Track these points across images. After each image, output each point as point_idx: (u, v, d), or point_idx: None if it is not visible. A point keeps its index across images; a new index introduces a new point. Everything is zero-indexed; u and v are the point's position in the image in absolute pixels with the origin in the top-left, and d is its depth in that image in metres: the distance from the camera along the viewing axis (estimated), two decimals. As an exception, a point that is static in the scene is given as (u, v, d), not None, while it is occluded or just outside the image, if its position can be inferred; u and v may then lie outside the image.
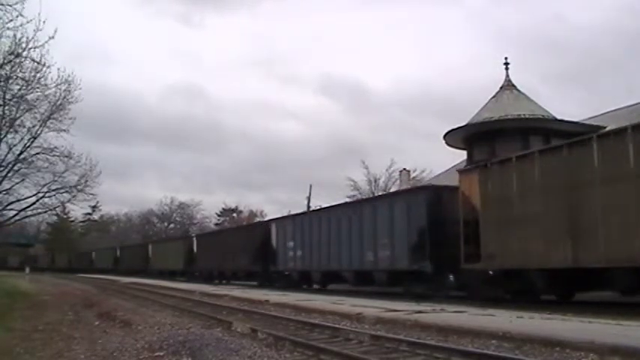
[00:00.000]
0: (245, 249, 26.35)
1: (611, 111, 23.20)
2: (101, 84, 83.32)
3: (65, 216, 66.84)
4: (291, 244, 21.91)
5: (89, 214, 77.88)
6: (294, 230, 21.95)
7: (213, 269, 30.93)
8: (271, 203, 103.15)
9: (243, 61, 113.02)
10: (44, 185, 19.73)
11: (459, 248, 13.16)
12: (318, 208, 27.37)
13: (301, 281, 21.71)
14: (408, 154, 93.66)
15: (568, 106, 74.18)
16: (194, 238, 36.52)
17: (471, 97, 74.11)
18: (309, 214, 25.12)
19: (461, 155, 26.20)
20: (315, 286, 21.18)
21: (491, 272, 12.83)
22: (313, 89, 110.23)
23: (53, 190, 20.07)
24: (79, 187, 20.17)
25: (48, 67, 16.34)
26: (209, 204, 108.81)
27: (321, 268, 19.96)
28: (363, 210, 17.67)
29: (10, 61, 15.66)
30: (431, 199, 14.91)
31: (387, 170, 41.28)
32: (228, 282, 29.50)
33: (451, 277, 14.24)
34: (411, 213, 15.17)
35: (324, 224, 19.55)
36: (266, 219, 31.05)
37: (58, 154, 18.71)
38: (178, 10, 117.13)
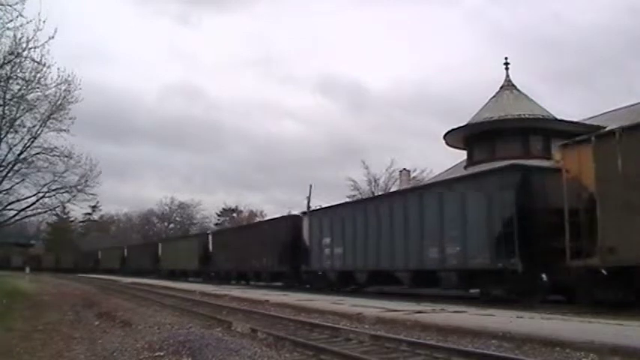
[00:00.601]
0: (270, 246, 23.63)
1: (612, 111, 23.23)
2: (99, 84, 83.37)
3: (65, 216, 66.84)
4: (327, 240, 19.19)
5: (89, 214, 77.97)
6: (332, 224, 19.08)
7: (232, 269, 28.43)
8: (270, 203, 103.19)
9: (241, 60, 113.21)
10: (44, 185, 19.72)
11: (554, 241, 11.08)
12: (357, 199, 26.93)
13: (340, 282, 18.94)
14: (408, 154, 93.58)
15: (566, 105, 74.47)
16: (210, 236, 33.41)
17: (470, 96, 74.29)
18: (351, 204, 21.68)
19: (461, 155, 26.21)
20: (347, 288, 18.71)
21: (604, 271, 10.33)
22: (311, 89, 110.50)
23: (53, 190, 20.06)
24: (79, 187, 20.16)
25: (48, 67, 16.36)
26: (208, 204, 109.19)
27: (367, 267, 17.20)
28: (424, 199, 14.95)
29: (10, 61, 15.68)
30: (519, 183, 12.30)
31: (387, 170, 41.32)
32: (247, 283, 27.46)
33: (544, 276, 12.00)
34: (493, 200, 12.56)
35: (372, 216, 16.86)
36: (294, 213, 27.01)
37: (58, 154, 18.70)
38: (176, 10, 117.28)
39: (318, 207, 26.48)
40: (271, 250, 23.52)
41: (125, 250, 50.26)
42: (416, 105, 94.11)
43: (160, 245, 41.98)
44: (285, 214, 29.35)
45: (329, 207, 21.08)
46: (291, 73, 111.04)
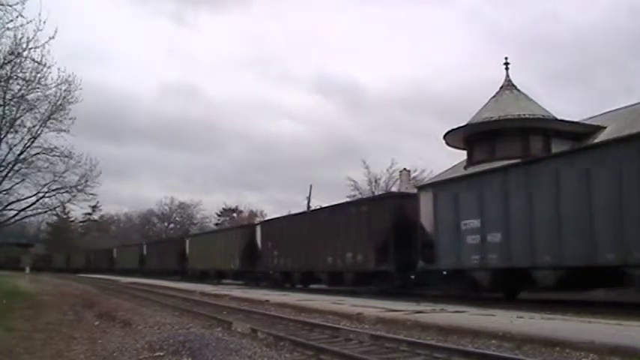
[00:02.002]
0: (357, 237, 17.32)
1: (611, 111, 23.19)
2: (96, 83, 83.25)
3: (65, 216, 66.86)
4: (475, 222, 13.29)
5: (89, 214, 77.95)
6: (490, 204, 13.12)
7: (294, 269, 22.10)
8: (270, 203, 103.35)
9: (238, 60, 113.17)
10: (44, 185, 19.74)
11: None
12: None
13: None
14: (407, 154, 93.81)
15: (564, 105, 74.49)
16: (258, 227, 26.60)
17: (468, 96, 74.46)
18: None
19: (461, 155, 26.19)
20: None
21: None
22: (309, 88, 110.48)
23: (53, 190, 20.08)
24: (79, 187, 20.18)
25: (48, 67, 16.39)
26: (208, 204, 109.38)
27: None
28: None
29: (11, 61, 15.70)
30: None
31: (387, 170, 41.32)
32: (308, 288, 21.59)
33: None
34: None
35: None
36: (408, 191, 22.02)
37: (58, 154, 18.73)
38: (171, 10, 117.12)
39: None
40: (359, 243, 17.30)
41: (144, 248, 44.51)
42: (414, 105, 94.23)
43: (187, 241, 36.33)
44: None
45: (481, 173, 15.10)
46: (288, 73, 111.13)
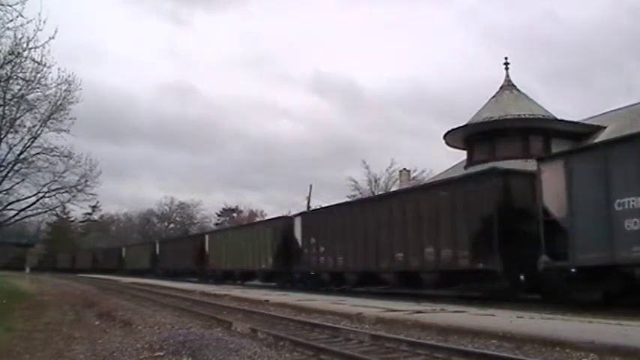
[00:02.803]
0: (443, 228, 13.76)
1: (612, 111, 23.22)
2: (93, 83, 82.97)
3: (65, 216, 66.77)
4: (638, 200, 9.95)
5: (89, 214, 77.94)
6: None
7: (348, 269, 18.10)
8: (269, 203, 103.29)
9: (235, 59, 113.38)
10: (44, 185, 19.79)
11: None
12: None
13: None
14: (405, 154, 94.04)
15: (564, 105, 74.50)
16: (297, 220, 22.16)
17: (466, 96, 74.92)
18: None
19: (461, 155, 26.22)
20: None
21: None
22: (307, 88, 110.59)
23: (53, 190, 20.12)
24: (79, 187, 20.23)
25: (48, 67, 16.40)
26: (207, 204, 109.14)
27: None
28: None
29: (11, 61, 15.70)
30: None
31: (387, 170, 41.31)
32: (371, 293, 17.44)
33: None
34: None
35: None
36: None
37: (58, 154, 18.78)
38: (167, 9, 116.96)
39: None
40: (452, 234, 13.59)
41: (156, 247, 40.95)
42: (413, 104, 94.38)
43: (207, 238, 32.29)
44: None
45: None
46: (285, 73, 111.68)
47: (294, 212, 28.60)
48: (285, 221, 23.52)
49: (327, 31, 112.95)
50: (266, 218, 27.63)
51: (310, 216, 22.71)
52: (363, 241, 17.00)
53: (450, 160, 36.64)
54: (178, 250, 35.98)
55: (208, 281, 29.87)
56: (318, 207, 27.00)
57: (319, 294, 17.97)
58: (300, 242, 21.13)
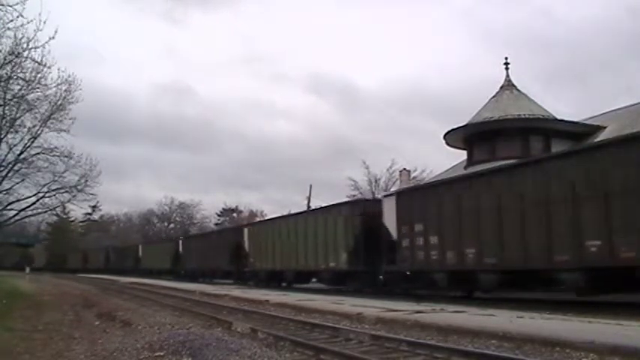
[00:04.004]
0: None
1: (611, 111, 23.21)
2: (91, 83, 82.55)
3: (65, 216, 66.69)
4: None
5: (89, 214, 77.91)
6: None
7: (480, 265, 12.65)
8: (267, 203, 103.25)
9: (231, 59, 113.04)
10: (44, 185, 19.81)
11: None
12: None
13: None
14: (405, 154, 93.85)
15: (563, 105, 74.51)
16: (389, 201, 16.52)
17: (465, 95, 74.81)
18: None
19: (461, 155, 26.22)
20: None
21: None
22: (304, 88, 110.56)
23: (53, 190, 20.14)
24: (79, 187, 20.24)
25: (48, 67, 16.40)
26: (207, 204, 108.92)
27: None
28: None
29: (11, 61, 15.73)
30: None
31: (387, 170, 41.26)
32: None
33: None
34: None
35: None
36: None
37: (58, 154, 18.80)
38: (162, 9, 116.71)
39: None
40: None
41: (180, 244, 36.28)
42: (411, 104, 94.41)
43: (245, 232, 26.49)
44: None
45: None
46: (282, 73, 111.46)
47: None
48: (368, 205, 18.72)
49: (323, 30, 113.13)
50: (333, 203, 19.84)
51: (415, 194, 16.08)
52: (509, 227, 12.01)
53: (450, 160, 36.66)
54: (207, 248, 31.10)
55: (247, 284, 25.73)
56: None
57: (319, 294, 17.92)
58: (394, 233, 15.73)
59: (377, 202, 17.91)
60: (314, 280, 21.20)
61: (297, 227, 21.54)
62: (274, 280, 23.70)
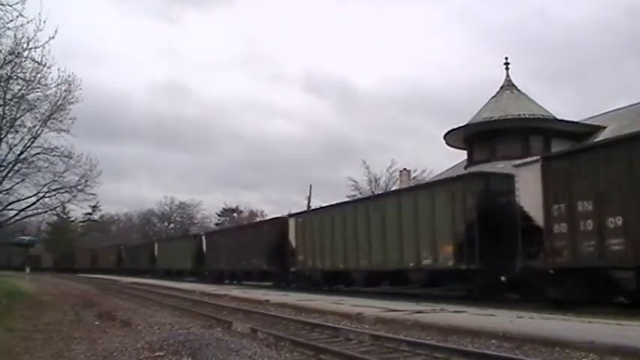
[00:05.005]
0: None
1: (611, 111, 23.24)
2: (89, 83, 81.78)
3: (65, 216, 66.67)
4: None
5: (89, 214, 77.91)
6: None
7: None
8: (266, 202, 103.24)
9: (230, 59, 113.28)
10: (44, 185, 19.78)
11: None
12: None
13: None
14: (404, 154, 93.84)
15: (562, 105, 74.54)
16: (524, 170, 11.99)
17: (465, 95, 74.79)
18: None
19: (461, 155, 26.24)
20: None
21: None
22: (301, 88, 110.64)
23: (53, 190, 20.11)
24: (79, 187, 20.22)
25: (48, 67, 16.39)
26: (207, 204, 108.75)
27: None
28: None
29: (11, 61, 15.72)
30: None
31: (387, 170, 41.28)
32: None
33: None
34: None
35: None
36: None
37: (58, 154, 18.78)
38: (158, 8, 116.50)
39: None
40: None
41: (203, 241, 32.15)
42: (411, 104, 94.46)
43: (291, 224, 21.85)
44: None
45: None
46: (280, 72, 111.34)
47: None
48: (490, 179, 13.78)
49: (321, 30, 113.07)
50: (432, 180, 16.66)
51: (573, 157, 11.23)
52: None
53: (450, 160, 36.69)
54: (238, 245, 26.73)
55: (290, 287, 21.61)
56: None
57: (319, 294, 17.90)
58: (537, 215, 11.34)
59: (505, 177, 13.15)
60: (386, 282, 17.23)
61: (372, 213, 16.66)
62: (334, 282, 19.47)
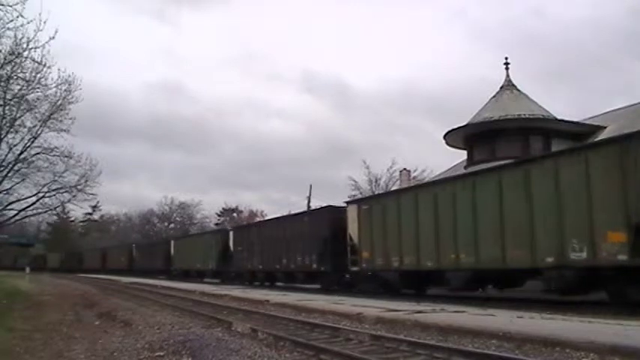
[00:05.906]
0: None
1: (611, 111, 23.25)
2: (85, 82, 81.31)
3: (65, 216, 66.61)
4: None
5: (89, 214, 77.97)
6: None
7: None
8: (266, 202, 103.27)
9: (225, 59, 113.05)
10: (44, 185, 19.80)
11: None
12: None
13: None
14: (404, 154, 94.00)
15: (561, 105, 74.56)
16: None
17: (464, 95, 74.83)
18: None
19: (461, 155, 26.25)
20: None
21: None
22: (297, 88, 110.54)
23: (53, 190, 20.13)
24: (79, 187, 20.24)
25: (48, 67, 16.41)
26: (207, 204, 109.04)
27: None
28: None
29: (11, 61, 15.73)
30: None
31: (388, 170, 41.30)
32: None
33: None
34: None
35: None
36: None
37: (58, 154, 18.80)
38: (154, 8, 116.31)
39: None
40: None
41: (230, 238, 27.96)
42: (410, 104, 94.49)
43: (350, 213, 17.85)
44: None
45: None
46: (277, 72, 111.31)
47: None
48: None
49: (318, 29, 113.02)
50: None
51: None
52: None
53: (450, 160, 36.71)
54: (275, 240, 22.91)
55: (351, 291, 17.98)
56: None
57: (317, 294, 17.91)
58: None
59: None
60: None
61: (479, 192, 12.79)
62: (418, 284, 15.54)
